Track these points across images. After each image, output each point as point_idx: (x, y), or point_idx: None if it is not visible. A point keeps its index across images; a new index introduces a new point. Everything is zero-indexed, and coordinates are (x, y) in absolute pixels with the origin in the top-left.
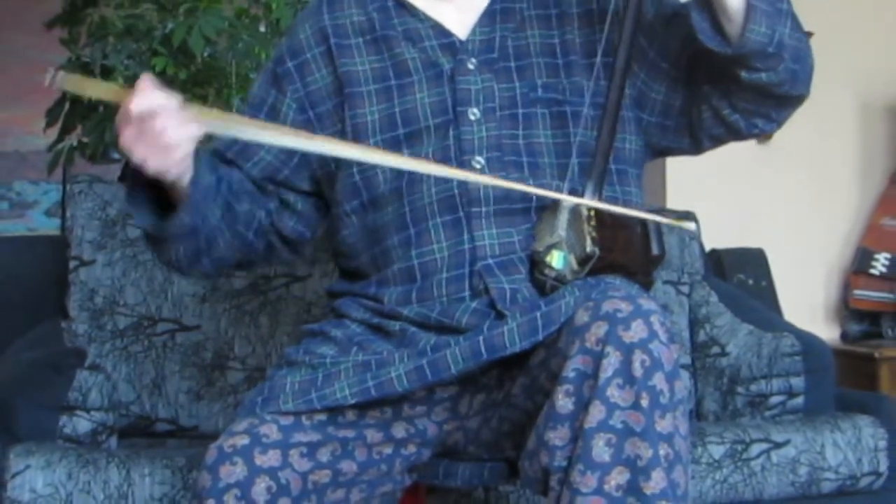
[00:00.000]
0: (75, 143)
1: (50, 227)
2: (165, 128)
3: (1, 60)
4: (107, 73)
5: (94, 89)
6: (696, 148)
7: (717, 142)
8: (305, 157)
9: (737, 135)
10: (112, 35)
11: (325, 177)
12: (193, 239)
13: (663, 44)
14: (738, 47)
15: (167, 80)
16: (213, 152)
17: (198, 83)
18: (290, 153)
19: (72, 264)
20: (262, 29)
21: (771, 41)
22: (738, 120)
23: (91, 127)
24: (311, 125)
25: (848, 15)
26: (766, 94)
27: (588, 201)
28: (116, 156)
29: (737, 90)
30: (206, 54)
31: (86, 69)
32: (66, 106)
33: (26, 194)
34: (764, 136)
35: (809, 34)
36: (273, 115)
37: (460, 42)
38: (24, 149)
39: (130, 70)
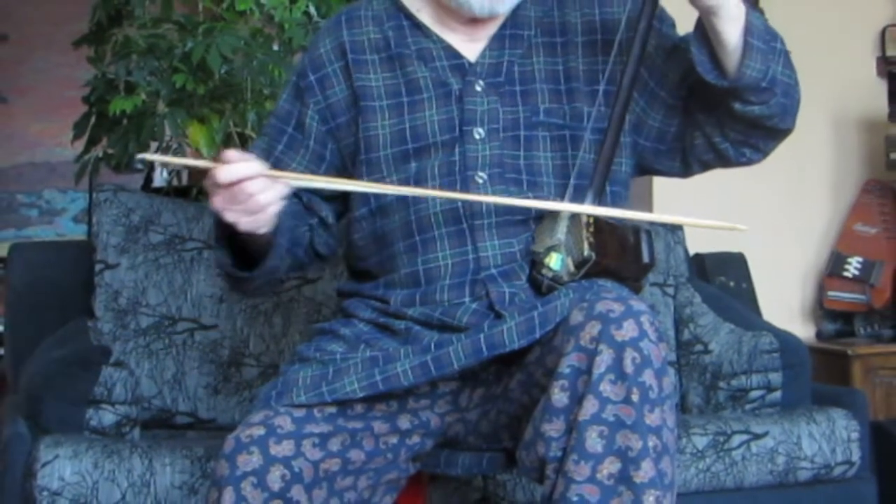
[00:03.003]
0: (101, 155)
1: (77, 233)
2: (255, 192)
3: (32, 77)
4: (130, 89)
5: (182, 162)
6: (685, 171)
7: (706, 167)
8: (332, 162)
9: (725, 162)
10: (135, 53)
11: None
12: (274, 273)
13: (663, 74)
14: (735, 81)
15: (187, 95)
16: None
17: (215, 98)
18: (319, 162)
19: (97, 267)
20: (276, 47)
21: (765, 77)
22: (728, 148)
23: (115, 139)
24: (332, 135)
25: (822, 34)
26: (756, 125)
27: (590, 208)
28: (139, 166)
29: (729, 121)
30: (223, 71)
31: (111, 85)
32: (93, 119)
33: (55, 202)
34: None
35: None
36: (299, 128)
37: (469, 64)
38: (53, 160)
39: (152, 86)
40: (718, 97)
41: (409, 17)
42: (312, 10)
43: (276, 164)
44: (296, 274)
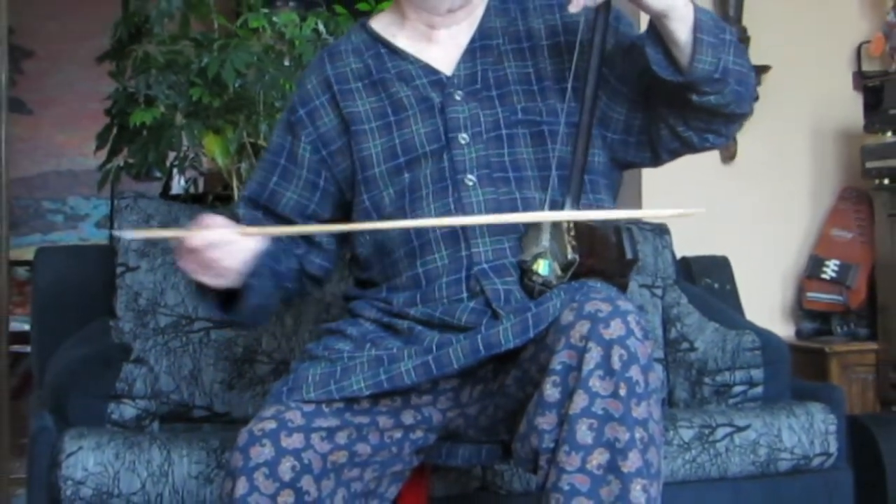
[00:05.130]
0: (122, 164)
1: (99, 238)
2: (220, 258)
3: (58, 91)
4: (150, 102)
5: (158, 234)
6: (655, 161)
7: (674, 155)
8: (327, 188)
9: (691, 148)
10: (154, 68)
11: (347, 202)
12: (260, 311)
13: (622, 71)
14: (688, 75)
15: (203, 108)
16: (247, 200)
17: (230, 110)
18: (313, 189)
19: (119, 270)
20: (287, 63)
21: (717, 68)
22: (692, 136)
23: (135, 149)
24: (325, 163)
25: (802, 51)
26: (715, 113)
27: (573, 214)
28: (158, 174)
29: (690, 111)
30: (237, 85)
31: (131, 98)
32: (114, 131)
33: (79, 208)
34: (727, 155)
35: (768, 67)
36: (291, 159)
37: (447, 78)
38: (77, 168)
39: (171, 99)
40: (677, 91)
41: (386, 44)
42: (321, 27)
43: (272, 195)
44: (296, 300)
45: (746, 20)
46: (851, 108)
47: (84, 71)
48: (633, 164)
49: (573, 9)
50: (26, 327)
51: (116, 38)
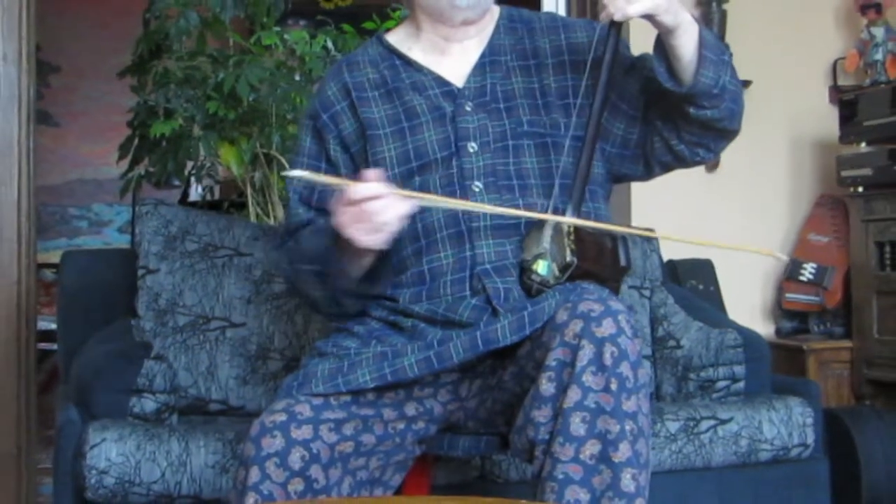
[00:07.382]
0: (143, 172)
1: (122, 242)
2: (379, 210)
3: (82, 104)
4: (169, 114)
5: (323, 180)
6: (647, 174)
7: (666, 168)
8: None
9: (682, 162)
10: (173, 83)
11: None
12: (375, 291)
13: (622, 88)
14: (691, 87)
15: (219, 120)
16: (299, 201)
17: (244, 122)
18: None
19: (140, 272)
20: (297, 78)
21: (716, 84)
22: (684, 149)
23: (156, 159)
24: (353, 162)
25: (781, 67)
26: (708, 127)
27: (575, 220)
28: (177, 182)
29: (685, 125)
30: (251, 99)
31: (151, 111)
32: (136, 141)
33: (102, 215)
34: (711, 165)
35: (749, 82)
36: (329, 162)
37: (458, 89)
38: (100, 177)
39: (188, 112)
40: (675, 104)
41: (401, 56)
42: (330, 44)
43: (320, 197)
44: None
45: (729, 38)
46: (827, 120)
47: (107, 85)
48: (626, 176)
49: (605, 18)
50: (53, 326)
51: (138, 55)
